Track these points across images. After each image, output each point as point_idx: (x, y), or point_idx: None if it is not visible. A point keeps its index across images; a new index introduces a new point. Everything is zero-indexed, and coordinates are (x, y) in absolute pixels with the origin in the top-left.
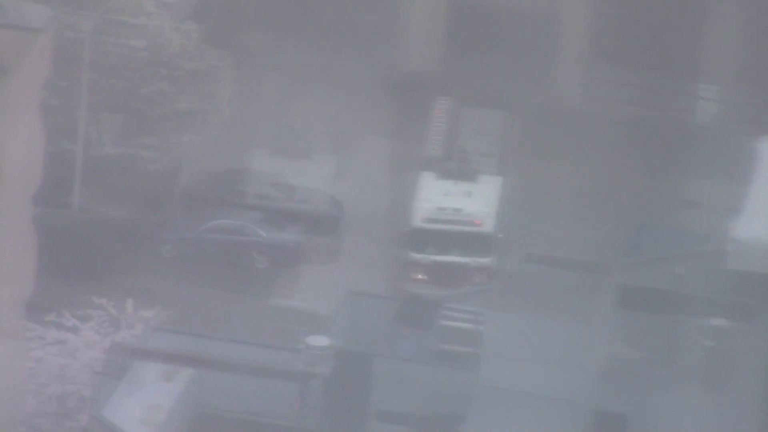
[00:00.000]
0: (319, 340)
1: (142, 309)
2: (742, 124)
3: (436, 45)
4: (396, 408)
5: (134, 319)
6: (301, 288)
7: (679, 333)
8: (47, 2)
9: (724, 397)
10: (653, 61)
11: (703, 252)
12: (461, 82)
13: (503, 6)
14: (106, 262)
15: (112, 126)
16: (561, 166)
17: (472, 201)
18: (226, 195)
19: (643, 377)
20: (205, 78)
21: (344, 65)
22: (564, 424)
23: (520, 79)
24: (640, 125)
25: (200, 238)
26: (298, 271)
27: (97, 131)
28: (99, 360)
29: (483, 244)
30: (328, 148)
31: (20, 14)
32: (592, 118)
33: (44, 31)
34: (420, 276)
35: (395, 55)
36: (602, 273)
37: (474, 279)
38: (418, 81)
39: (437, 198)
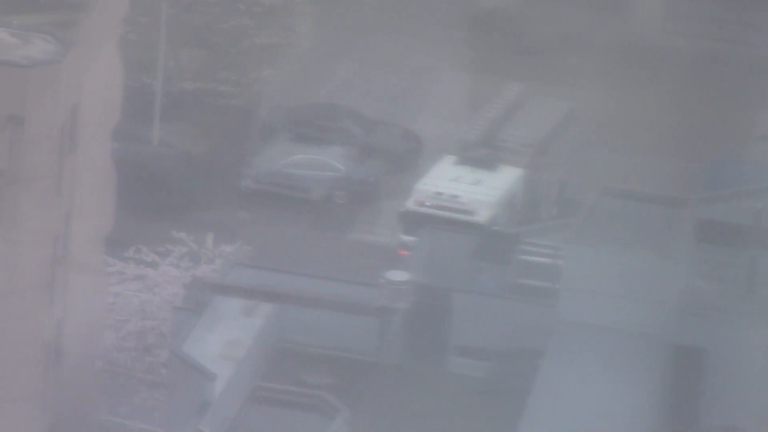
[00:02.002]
0: (399, 275)
1: (222, 244)
2: None
3: None
4: (475, 342)
5: (214, 254)
6: (380, 223)
7: (757, 267)
8: None
9: None
10: None
11: None
12: (540, 19)
13: None
14: (185, 197)
15: (192, 61)
16: (640, 100)
17: (474, 189)
18: (306, 130)
19: (722, 311)
20: (283, 13)
21: (420, 1)
22: (642, 359)
23: (599, 15)
24: (719, 59)
25: (280, 173)
26: (377, 206)
27: (177, 66)
28: (178, 295)
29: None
30: (407, 83)
31: None
32: (671, 53)
33: None
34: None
35: None
36: (680, 207)
37: None
38: (497, 17)
39: (441, 183)
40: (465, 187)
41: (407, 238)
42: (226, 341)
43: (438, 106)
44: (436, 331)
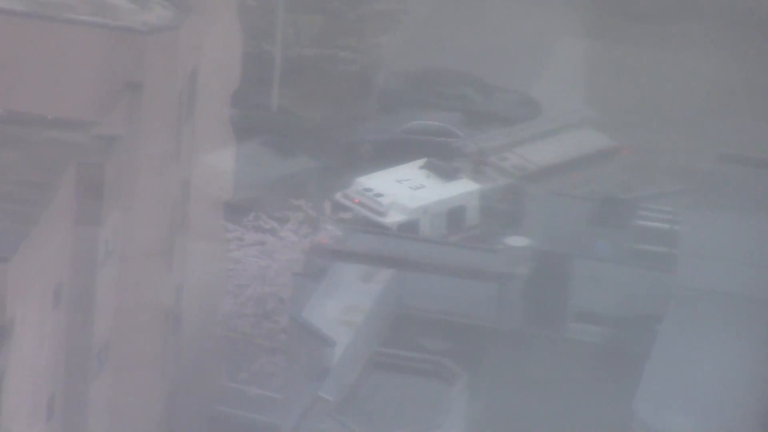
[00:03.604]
0: (518, 241)
1: (342, 210)
2: None
3: None
4: (592, 308)
5: (333, 220)
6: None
7: None
8: None
9: None
10: None
11: None
12: None
13: None
14: (304, 163)
15: (310, 27)
16: (757, 66)
17: (406, 194)
18: (425, 96)
19: None
20: None
21: None
22: (761, 324)
23: None
24: None
25: (399, 139)
26: None
27: (295, 32)
28: (297, 261)
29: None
30: (525, 48)
31: None
32: None
33: None
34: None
35: None
36: None
37: None
38: None
39: (383, 181)
40: (400, 190)
41: (331, 227)
42: (344, 307)
43: (555, 72)
44: (554, 297)
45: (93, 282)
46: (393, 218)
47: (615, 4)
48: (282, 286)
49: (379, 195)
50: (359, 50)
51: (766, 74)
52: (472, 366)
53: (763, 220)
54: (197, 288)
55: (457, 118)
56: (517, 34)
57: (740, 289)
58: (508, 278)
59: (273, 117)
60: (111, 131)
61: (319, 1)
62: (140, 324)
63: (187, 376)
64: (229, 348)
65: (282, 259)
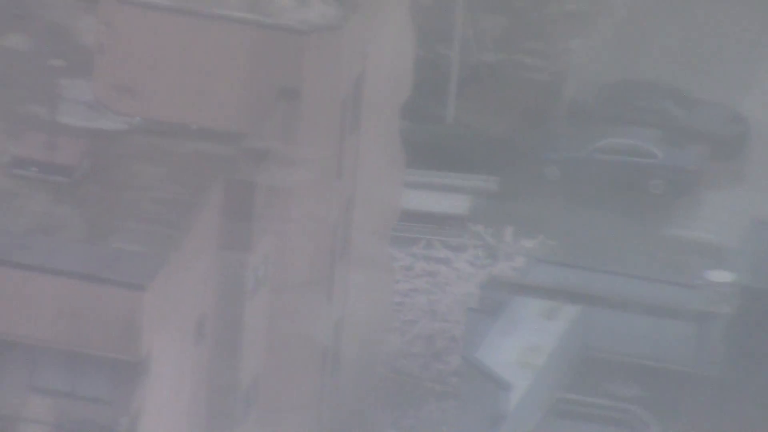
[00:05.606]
0: (722, 276)
1: (523, 238)
2: None
3: None
4: None
5: (513, 249)
6: (701, 216)
7: None
8: None
9: None
10: None
11: None
12: None
13: None
14: (482, 184)
15: (492, 29)
16: None
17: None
18: (620, 109)
19: None
20: None
21: None
22: None
23: None
24: None
25: (589, 159)
26: (698, 197)
27: (475, 35)
28: (473, 295)
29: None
30: (734, 58)
31: None
32: None
33: None
34: None
35: None
36: None
37: None
38: None
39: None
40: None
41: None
42: (524, 347)
43: None
44: (762, 338)
45: (241, 314)
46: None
47: None
48: (455, 322)
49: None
50: (547, 56)
51: None
52: (667, 415)
53: None
54: (359, 323)
55: (656, 135)
56: (727, 41)
57: None
58: (710, 317)
59: (448, 130)
60: (263, 144)
61: (502, 0)
62: (294, 362)
63: (346, 422)
64: (393, 391)
65: (455, 293)
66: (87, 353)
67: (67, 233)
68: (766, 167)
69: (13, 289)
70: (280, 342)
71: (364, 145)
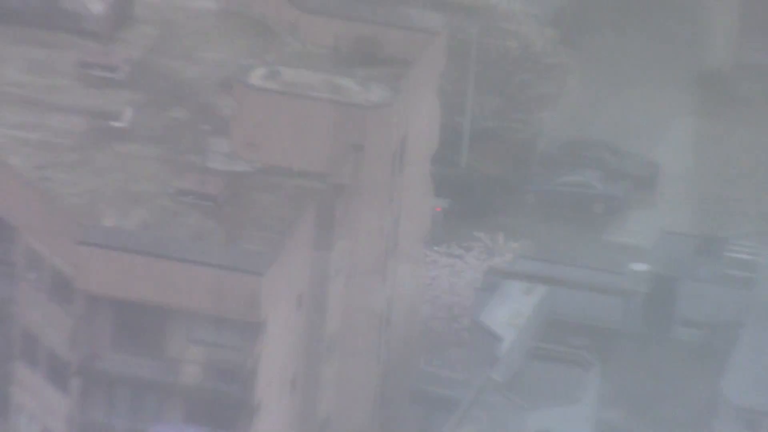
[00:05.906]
0: (641, 266)
1: (511, 241)
2: None
3: (731, 45)
4: (694, 317)
5: (504, 249)
6: (627, 228)
7: None
8: (443, 10)
9: None
10: None
11: None
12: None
13: None
14: (484, 206)
15: (492, 105)
16: None
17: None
18: (574, 158)
19: None
20: (558, 70)
21: (660, 62)
22: None
23: None
24: None
25: (554, 190)
26: (625, 216)
27: (480, 109)
28: (477, 279)
29: None
30: (650, 123)
31: (421, 19)
32: None
33: (440, 33)
34: None
35: (699, 54)
36: None
37: None
38: (716, 76)
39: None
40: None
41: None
42: (511, 313)
43: (673, 142)
44: (666, 308)
45: (326, 292)
46: None
47: (718, 90)
48: (466, 297)
49: None
50: (527, 123)
51: None
52: (604, 357)
53: None
54: (403, 298)
55: (598, 175)
56: (646, 113)
57: None
58: (632, 294)
59: (462, 172)
60: (341, 180)
61: (498, 86)
62: (360, 324)
63: (395, 361)
64: (426, 342)
65: (466, 278)
66: (225, 317)
67: (212, 239)
68: (670, 197)
69: (177, 275)
70: (352, 310)
71: (406, 182)
